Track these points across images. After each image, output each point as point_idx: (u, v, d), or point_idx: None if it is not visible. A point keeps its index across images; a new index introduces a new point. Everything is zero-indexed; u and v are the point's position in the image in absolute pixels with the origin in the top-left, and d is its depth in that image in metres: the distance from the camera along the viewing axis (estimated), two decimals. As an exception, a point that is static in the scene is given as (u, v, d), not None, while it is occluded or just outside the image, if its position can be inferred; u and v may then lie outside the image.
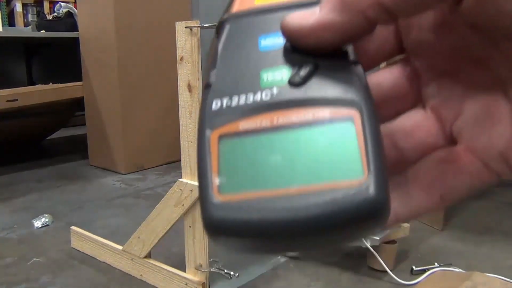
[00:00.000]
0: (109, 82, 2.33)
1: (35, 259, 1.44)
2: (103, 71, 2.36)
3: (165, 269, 1.24)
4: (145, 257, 1.28)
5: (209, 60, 0.21)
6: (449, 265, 1.33)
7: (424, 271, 1.30)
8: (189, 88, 1.08)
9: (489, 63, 0.19)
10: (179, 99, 1.09)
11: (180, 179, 1.15)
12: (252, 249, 0.18)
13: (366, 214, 0.16)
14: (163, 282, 1.25)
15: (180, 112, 1.10)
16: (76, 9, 2.59)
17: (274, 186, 0.17)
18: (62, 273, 1.35)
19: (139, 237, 1.28)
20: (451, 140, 0.21)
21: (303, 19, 0.18)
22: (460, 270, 1.27)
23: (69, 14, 2.90)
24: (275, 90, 0.19)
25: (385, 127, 0.21)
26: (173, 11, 2.32)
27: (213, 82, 0.20)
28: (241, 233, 0.17)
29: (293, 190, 0.17)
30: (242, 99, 0.19)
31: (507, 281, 1.09)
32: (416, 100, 0.22)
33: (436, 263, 1.33)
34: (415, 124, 0.21)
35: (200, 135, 0.19)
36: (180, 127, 1.11)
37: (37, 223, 1.69)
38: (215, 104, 0.19)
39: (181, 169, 1.14)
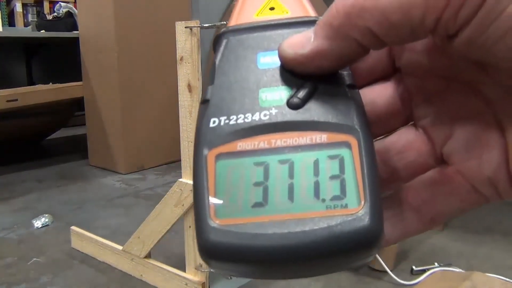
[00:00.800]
0: (109, 82, 2.33)
1: (35, 259, 1.43)
2: (103, 71, 2.36)
3: (165, 269, 1.24)
4: (145, 257, 1.28)
5: (207, 75, 0.21)
6: (449, 265, 1.33)
7: (424, 271, 1.30)
8: (189, 88, 1.08)
9: (479, 87, 0.19)
10: (179, 99, 1.09)
11: (180, 179, 1.15)
12: (246, 274, 0.18)
13: (361, 243, 0.16)
14: (163, 282, 1.25)
15: (180, 112, 1.10)
16: (76, 9, 2.59)
17: (271, 212, 0.17)
18: (62, 273, 1.35)
19: (139, 237, 1.28)
20: (442, 161, 0.21)
21: (299, 47, 0.19)
22: (460, 270, 1.27)
23: (69, 14, 2.90)
24: (273, 111, 0.19)
25: (378, 144, 0.21)
26: (173, 11, 2.32)
27: (211, 99, 0.19)
28: (236, 258, 0.17)
29: (289, 216, 0.17)
30: (240, 119, 0.19)
31: (507, 281, 1.09)
32: (408, 118, 0.22)
33: (436, 263, 1.33)
34: (406, 143, 0.21)
35: (197, 154, 0.18)
36: (180, 127, 1.11)
37: (37, 223, 1.69)
38: (213, 122, 0.19)
39: (181, 169, 1.14)
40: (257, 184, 0.17)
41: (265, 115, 0.18)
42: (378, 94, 0.21)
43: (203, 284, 1.17)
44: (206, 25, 1.03)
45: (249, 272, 0.17)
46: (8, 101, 2.16)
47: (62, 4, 2.98)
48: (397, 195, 0.21)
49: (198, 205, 0.18)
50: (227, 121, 0.19)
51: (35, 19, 3.35)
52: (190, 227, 1.16)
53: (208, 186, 0.18)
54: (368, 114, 0.19)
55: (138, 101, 2.36)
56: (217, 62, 0.20)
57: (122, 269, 1.35)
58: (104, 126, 2.41)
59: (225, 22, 1.00)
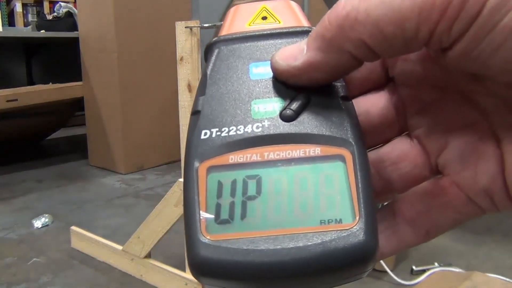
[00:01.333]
0: (109, 82, 2.33)
1: (35, 259, 1.43)
2: (103, 71, 2.36)
3: (165, 269, 1.24)
4: (145, 257, 1.28)
5: (198, 85, 0.20)
6: (449, 265, 1.33)
7: (424, 271, 1.30)
8: (189, 88, 1.08)
9: (474, 97, 0.19)
10: (179, 99, 1.09)
11: (180, 179, 1.15)
12: None
13: (356, 259, 0.16)
14: (163, 282, 1.25)
15: (180, 112, 1.10)
16: (76, 9, 2.59)
17: (264, 227, 0.16)
18: (62, 273, 1.35)
19: (139, 237, 1.28)
20: (437, 171, 0.20)
21: (291, 59, 0.18)
22: (460, 270, 1.27)
23: (69, 14, 2.90)
24: (266, 123, 0.18)
25: (372, 154, 0.21)
26: (173, 11, 2.32)
27: (202, 110, 0.19)
28: (228, 275, 0.16)
29: (282, 232, 0.16)
30: (232, 131, 0.18)
31: (507, 281, 1.09)
32: (403, 128, 0.21)
33: (436, 263, 1.33)
34: (401, 153, 0.21)
35: (188, 167, 0.18)
36: (180, 127, 1.11)
37: (37, 223, 1.69)
38: (204, 134, 0.18)
39: (181, 169, 1.14)
40: (249, 198, 0.17)
41: (257, 127, 0.18)
42: (372, 104, 0.21)
43: (203, 284, 1.17)
44: (206, 25, 1.03)
45: None
46: (8, 101, 2.16)
47: (62, 4, 2.98)
48: (392, 206, 0.20)
49: (189, 220, 0.17)
50: (218, 133, 0.18)
51: (35, 19, 3.35)
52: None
53: (199, 200, 0.17)
54: (362, 124, 0.19)
55: (138, 101, 2.36)
56: (208, 72, 0.20)
57: (122, 269, 1.35)
58: (104, 126, 2.41)
59: (225, 22, 1.00)
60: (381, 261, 1.26)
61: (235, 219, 0.17)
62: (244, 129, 0.18)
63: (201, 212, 0.17)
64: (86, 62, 2.45)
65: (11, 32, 3.18)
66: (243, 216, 0.17)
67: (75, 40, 2.51)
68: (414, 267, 1.31)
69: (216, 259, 0.16)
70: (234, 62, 0.20)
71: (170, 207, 1.17)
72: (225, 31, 0.21)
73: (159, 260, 1.28)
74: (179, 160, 1.14)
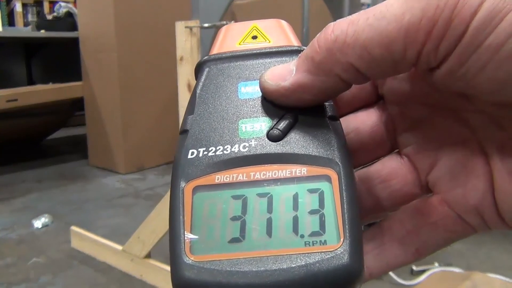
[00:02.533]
0: (109, 82, 2.33)
1: (35, 259, 1.43)
2: (103, 71, 2.36)
3: (165, 269, 1.24)
4: (145, 257, 1.28)
5: (188, 104, 0.20)
6: (449, 265, 1.33)
7: (424, 271, 1.30)
8: (189, 88, 1.08)
9: (462, 114, 0.19)
10: (179, 99, 1.09)
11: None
12: None
13: (339, 282, 0.16)
14: (163, 282, 1.25)
15: (180, 112, 1.10)
16: (76, 9, 2.59)
17: (248, 248, 0.16)
18: (62, 273, 1.35)
19: (139, 237, 1.28)
20: (427, 189, 0.20)
21: (280, 79, 0.18)
22: (460, 270, 1.27)
23: (69, 14, 2.90)
24: (253, 143, 0.18)
25: (362, 173, 0.21)
26: (173, 11, 2.32)
27: (190, 129, 0.19)
28: None
29: (267, 253, 0.16)
30: (219, 150, 0.18)
31: (507, 281, 1.09)
32: (393, 146, 0.21)
33: (436, 263, 1.33)
34: (391, 171, 0.21)
35: (174, 186, 0.18)
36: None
37: (37, 223, 1.69)
38: (191, 154, 0.18)
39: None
40: (234, 218, 0.17)
41: (244, 147, 0.18)
42: (362, 122, 0.21)
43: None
44: (206, 25, 1.03)
45: None
46: (8, 101, 2.16)
47: (62, 4, 2.98)
48: (381, 225, 0.20)
49: (173, 241, 0.17)
50: (205, 152, 0.18)
51: (35, 19, 3.34)
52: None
53: (184, 220, 0.17)
54: (351, 142, 0.19)
55: (138, 101, 2.36)
56: (198, 91, 0.20)
57: (122, 269, 1.35)
58: (104, 126, 2.41)
59: (225, 22, 1.00)
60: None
61: (219, 239, 0.17)
62: (231, 149, 0.18)
63: (185, 232, 0.17)
64: (86, 62, 2.45)
65: (11, 32, 3.18)
66: (228, 236, 0.17)
67: (75, 40, 2.51)
68: (414, 267, 1.31)
69: (200, 280, 0.16)
70: (223, 81, 0.20)
71: (170, 207, 1.17)
72: (215, 50, 0.21)
73: (159, 260, 1.28)
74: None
